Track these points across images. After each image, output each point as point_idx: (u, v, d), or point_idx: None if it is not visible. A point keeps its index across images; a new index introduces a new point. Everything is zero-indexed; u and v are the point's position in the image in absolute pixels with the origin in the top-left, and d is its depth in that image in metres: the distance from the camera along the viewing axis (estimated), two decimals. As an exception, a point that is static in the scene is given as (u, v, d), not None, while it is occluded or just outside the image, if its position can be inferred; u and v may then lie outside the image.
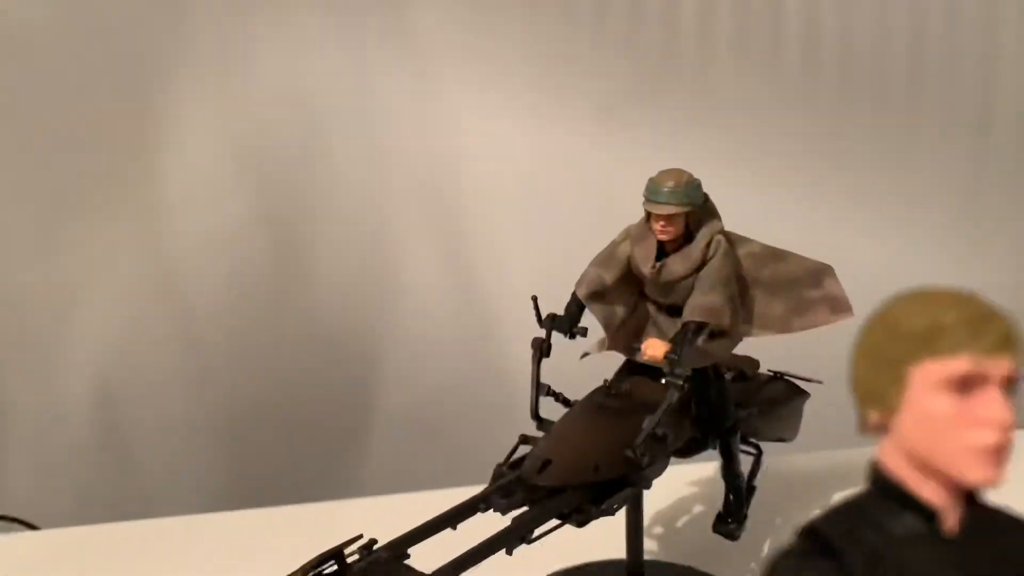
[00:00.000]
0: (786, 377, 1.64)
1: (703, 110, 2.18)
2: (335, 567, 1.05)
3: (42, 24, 2.11)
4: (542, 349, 1.38)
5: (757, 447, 1.59)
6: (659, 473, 1.35)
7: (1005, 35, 2.16)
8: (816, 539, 0.62)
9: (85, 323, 2.27)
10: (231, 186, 2.23)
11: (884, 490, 0.63)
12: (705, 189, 1.38)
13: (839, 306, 1.42)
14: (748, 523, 1.52)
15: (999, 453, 0.59)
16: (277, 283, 2.29)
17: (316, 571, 1.03)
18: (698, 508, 1.69)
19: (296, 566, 1.15)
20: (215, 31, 2.14)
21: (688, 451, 1.47)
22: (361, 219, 2.28)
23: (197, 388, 2.32)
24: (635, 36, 2.17)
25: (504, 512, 1.22)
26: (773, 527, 1.59)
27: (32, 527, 2.00)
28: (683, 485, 1.72)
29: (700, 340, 1.29)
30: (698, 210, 1.34)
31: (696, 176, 1.37)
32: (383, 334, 2.33)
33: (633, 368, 1.43)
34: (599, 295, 1.37)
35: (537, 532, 1.21)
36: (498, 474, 1.28)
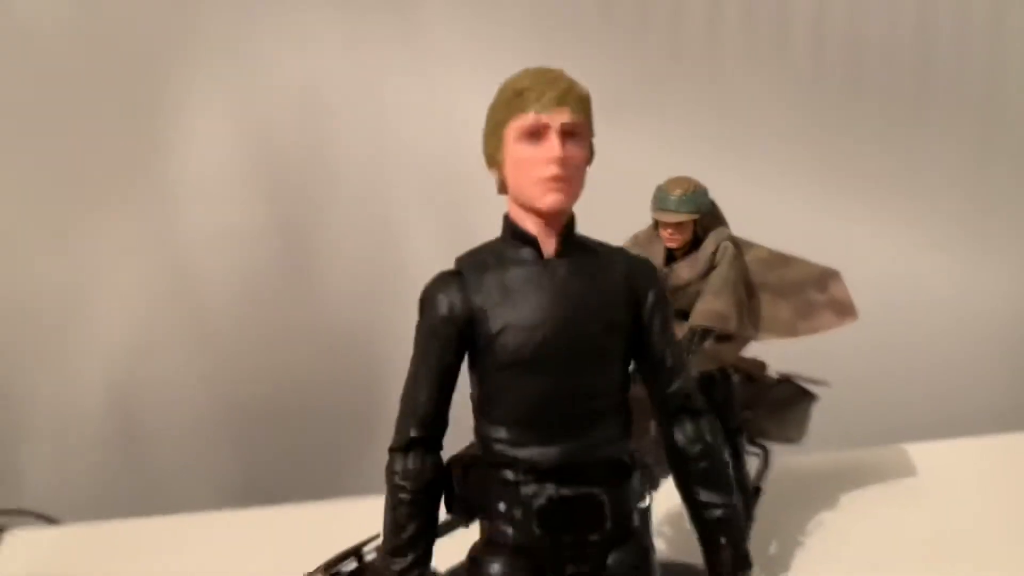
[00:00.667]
0: (793, 379, 1.66)
1: (710, 109, 2.19)
2: (354, 564, 1.08)
3: (53, 24, 2.13)
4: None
5: (764, 448, 1.62)
6: (666, 474, 1.37)
7: (1013, 36, 2.17)
8: (454, 266, 0.83)
9: (100, 320, 2.30)
10: (242, 185, 2.26)
11: (505, 229, 0.82)
12: (712, 188, 1.40)
13: (844, 310, 1.45)
14: (755, 523, 1.54)
15: (558, 181, 0.78)
16: (288, 280, 2.32)
17: (336, 568, 1.06)
18: (705, 508, 1.71)
19: (312, 563, 1.18)
20: (225, 31, 2.17)
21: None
22: (371, 218, 2.30)
23: (210, 385, 2.35)
24: (642, 35, 2.18)
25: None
26: (779, 528, 1.61)
27: (51, 521, 2.03)
28: (690, 485, 1.74)
29: (706, 344, 1.32)
30: (706, 217, 1.37)
31: (703, 175, 1.39)
32: (393, 331, 2.35)
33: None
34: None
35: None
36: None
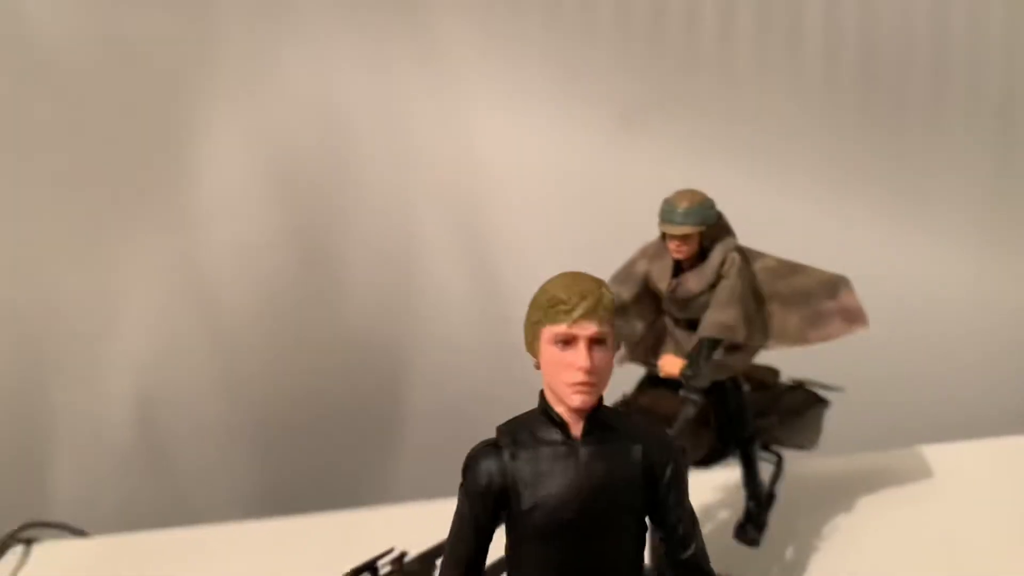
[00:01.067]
0: (806, 386, 1.66)
1: (724, 118, 2.20)
2: (368, 579, 1.10)
3: (78, 49, 2.17)
4: (564, 364, 1.42)
5: (778, 455, 1.62)
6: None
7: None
8: (495, 438, 0.91)
9: (127, 335, 2.34)
10: (264, 202, 2.29)
11: (540, 410, 0.92)
12: (726, 196, 1.41)
13: (855, 317, 1.45)
14: (769, 530, 1.55)
15: (585, 386, 0.88)
16: (308, 291, 2.35)
17: (350, 584, 1.08)
18: (720, 515, 1.72)
19: (329, 573, 1.21)
20: (243, 46, 2.20)
21: (709, 461, 1.50)
22: (388, 228, 2.33)
23: (233, 397, 2.39)
24: (656, 45, 2.19)
25: (528, 524, 1.26)
26: (794, 534, 1.62)
27: (80, 533, 2.07)
28: (704, 493, 1.75)
29: (716, 355, 1.33)
30: (712, 228, 1.38)
31: (717, 184, 1.40)
32: (411, 341, 2.38)
33: (653, 381, 1.47)
34: (618, 311, 1.41)
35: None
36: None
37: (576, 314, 0.88)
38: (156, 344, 2.36)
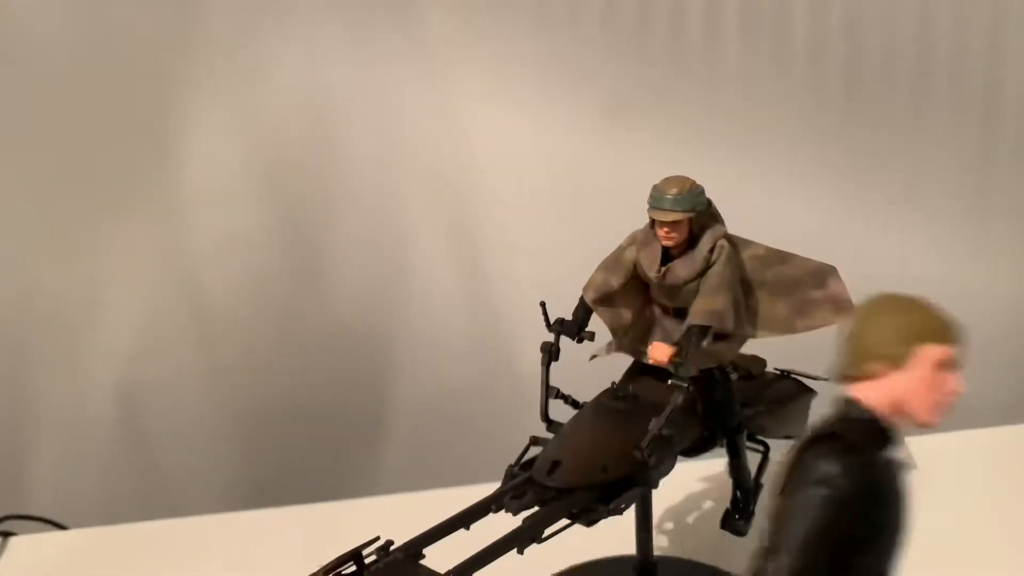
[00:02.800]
0: (793, 375, 1.66)
1: (710, 112, 2.20)
2: (353, 568, 1.09)
3: (59, 34, 2.15)
4: (551, 353, 1.42)
5: (764, 445, 1.62)
6: (666, 473, 1.38)
7: (1012, 31, 2.17)
8: (839, 441, 0.89)
9: (107, 325, 2.32)
10: (248, 189, 2.27)
11: (871, 421, 0.92)
12: (713, 189, 1.40)
13: (842, 306, 1.44)
14: (755, 519, 1.55)
15: (947, 409, 0.92)
16: (294, 285, 2.33)
17: (335, 572, 1.07)
18: (706, 505, 1.72)
19: (314, 565, 1.19)
20: (231, 37, 2.18)
21: (696, 450, 1.50)
22: (375, 222, 2.32)
23: (216, 390, 2.37)
24: (643, 40, 2.19)
25: (516, 512, 1.26)
26: (780, 523, 1.62)
27: (60, 527, 2.05)
28: (692, 482, 1.75)
29: (704, 343, 1.32)
30: (701, 215, 1.37)
31: (703, 176, 1.39)
32: (397, 336, 2.37)
33: (641, 370, 1.46)
34: (606, 299, 1.40)
35: (548, 531, 1.25)
36: (510, 475, 1.32)
37: (958, 339, 0.92)
38: (139, 335, 2.33)
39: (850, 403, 0.94)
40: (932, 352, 0.91)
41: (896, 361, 0.91)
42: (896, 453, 0.92)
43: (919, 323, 0.92)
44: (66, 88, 2.17)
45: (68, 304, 2.31)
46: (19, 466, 2.36)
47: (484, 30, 2.20)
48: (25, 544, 1.94)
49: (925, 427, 0.93)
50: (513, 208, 2.27)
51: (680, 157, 2.14)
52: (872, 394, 0.92)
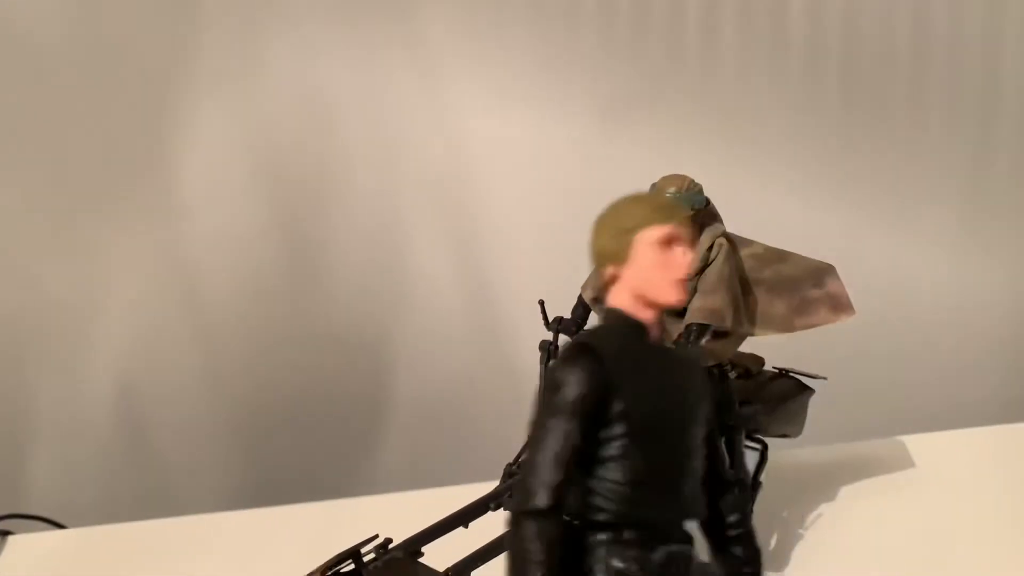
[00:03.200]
0: (791, 374, 1.66)
1: (707, 110, 2.20)
2: (352, 566, 1.09)
3: (58, 35, 2.15)
4: (550, 351, 1.42)
5: (762, 443, 1.62)
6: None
7: (1010, 29, 2.17)
8: (581, 347, 0.92)
9: (107, 325, 2.32)
10: (247, 189, 2.27)
11: (617, 318, 0.95)
12: (709, 188, 1.41)
13: (840, 305, 1.45)
14: (754, 518, 1.55)
15: (683, 283, 0.93)
16: (292, 283, 2.33)
17: (334, 570, 1.07)
18: (705, 503, 1.71)
19: (314, 563, 1.19)
20: (229, 38, 2.18)
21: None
22: (374, 220, 2.32)
23: (214, 389, 2.37)
24: (640, 38, 2.19)
25: (514, 510, 1.26)
26: (779, 521, 1.62)
27: (59, 526, 2.05)
28: (690, 480, 1.75)
29: (703, 341, 1.33)
30: (700, 214, 1.37)
31: (702, 174, 1.40)
32: (396, 334, 2.37)
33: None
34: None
35: (546, 529, 1.25)
36: (508, 473, 1.32)
37: (677, 217, 0.94)
38: (137, 335, 2.33)
39: (605, 313, 0.97)
40: (648, 235, 0.92)
41: (620, 256, 0.93)
42: (646, 341, 0.93)
43: (628, 214, 0.94)
44: (64, 89, 2.17)
45: (67, 304, 2.30)
46: (18, 465, 2.36)
47: (481, 31, 2.20)
48: (24, 543, 1.93)
49: (675, 307, 0.97)
50: (510, 206, 2.27)
51: (677, 156, 2.15)
52: (618, 297, 0.94)
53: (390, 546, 1.13)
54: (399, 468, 2.35)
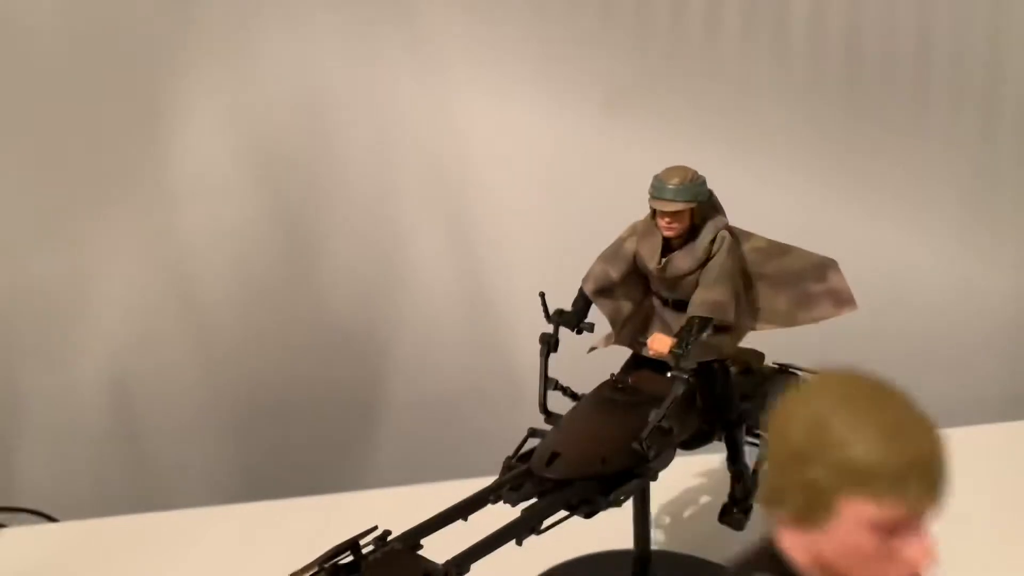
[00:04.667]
0: (792, 370, 1.66)
1: (710, 101, 2.19)
2: (350, 558, 1.07)
3: (50, 23, 2.13)
4: (550, 344, 1.41)
5: (763, 438, 1.61)
6: (665, 465, 1.37)
7: (1013, 26, 2.17)
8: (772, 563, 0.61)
9: (98, 316, 2.30)
10: (241, 180, 2.26)
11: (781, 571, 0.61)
12: (712, 180, 1.40)
13: (843, 299, 1.44)
14: (753, 513, 1.54)
15: None
16: (287, 276, 2.32)
17: (332, 562, 1.05)
18: (704, 499, 1.71)
19: (309, 558, 1.18)
20: (224, 26, 2.16)
21: (694, 443, 1.49)
22: (370, 213, 2.30)
23: (208, 381, 2.35)
24: (642, 28, 2.18)
25: (514, 504, 1.25)
26: (778, 517, 1.61)
27: (51, 519, 2.03)
28: (690, 476, 1.74)
29: (705, 335, 1.31)
30: (703, 206, 1.36)
31: (703, 167, 1.38)
32: (393, 327, 2.36)
33: (639, 362, 1.45)
34: (606, 291, 1.40)
35: (546, 523, 1.24)
36: (508, 467, 1.31)
37: (919, 488, 0.58)
38: (130, 327, 2.32)
39: (777, 551, 0.63)
40: (861, 511, 0.57)
41: (810, 518, 0.59)
42: None
43: (832, 462, 0.56)
44: (56, 79, 2.15)
45: (58, 295, 2.29)
46: (9, 458, 2.34)
47: (481, 21, 2.18)
48: (15, 536, 1.92)
49: None
50: (511, 199, 2.26)
51: (678, 148, 2.13)
52: (795, 545, 0.62)
53: (389, 538, 1.12)
54: (396, 462, 2.34)
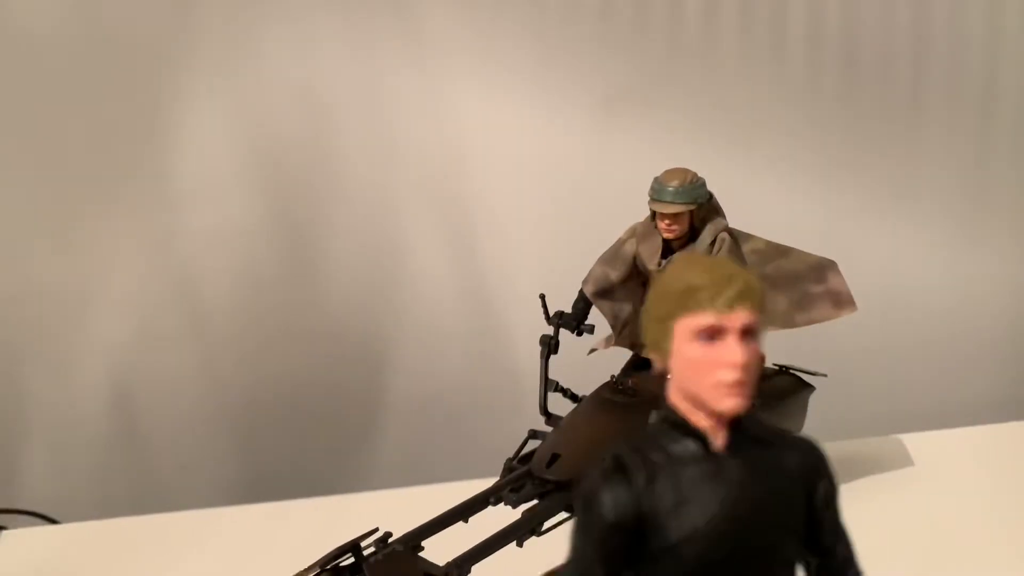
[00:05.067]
0: (791, 370, 1.66)
1: (708, 103, 2.20)
2: (352, 560, 1.08)
3: (52, 24, 2.13)
4: (550, 346, 1.41)
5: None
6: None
7: (1011, 25, 2.17)
8: (615, 461, 0.76)
9: (100, 319, 2.30)
10: (242, 183, 2.26)
11: (668, 420, 0.76)
12: (710, 183, 1.40)
13: (842, 301, 1.44)
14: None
15: (739, 386, 0.72)
16: (288, 278, 2.32)
17: (334, 563, 1.06)
18: (704, 500, 1.70)
19: (312, 558, 1.18)
20: (224, 28, 2.16)
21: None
22: (370, 215, 2.30)
23: (209, 384, 2.35)
24: (640, 31, 2.18)
25: (514, 505, 1.25)
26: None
27: (52, 521, 2.03)
28: (689, 477, 1.74)
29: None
30: (703, 208, 1.37)
31: (701, 170, 1.39)
32: (393, 329, 2.36)
33: (640, 364, 1.45)
34: (606, 292, 1.40)
35: (547, 525, 1.24)
36: (508, 468, 1.31)
37: (724, 299, 0.71)
38: (131, 329, 2.32)
39: (663, 403, 0.77)
40: (683, 327, 0.72)
41: (662, 348, 0.74)
42: (689, 450, 0.74)
43: (665, 294, 0.74)
44: (58, 80, 2.15)
45: (60, 298, 2.29)
46: (10, 460, 2.34)
47: (480, 22, 2.19)
48: (16, 538, 1.92)
49: (719, 420, 0.74)
50: (511, 201, 2.26)
51: (679, 149, 2.14)
52: (673, 394, 0.76)
53: (390, 540, 1.12)
54: (397, 464, 2.34)
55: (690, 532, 0.73)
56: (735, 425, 0.75)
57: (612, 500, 0.74)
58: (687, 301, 0.72)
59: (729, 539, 0.74)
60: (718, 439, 0.75)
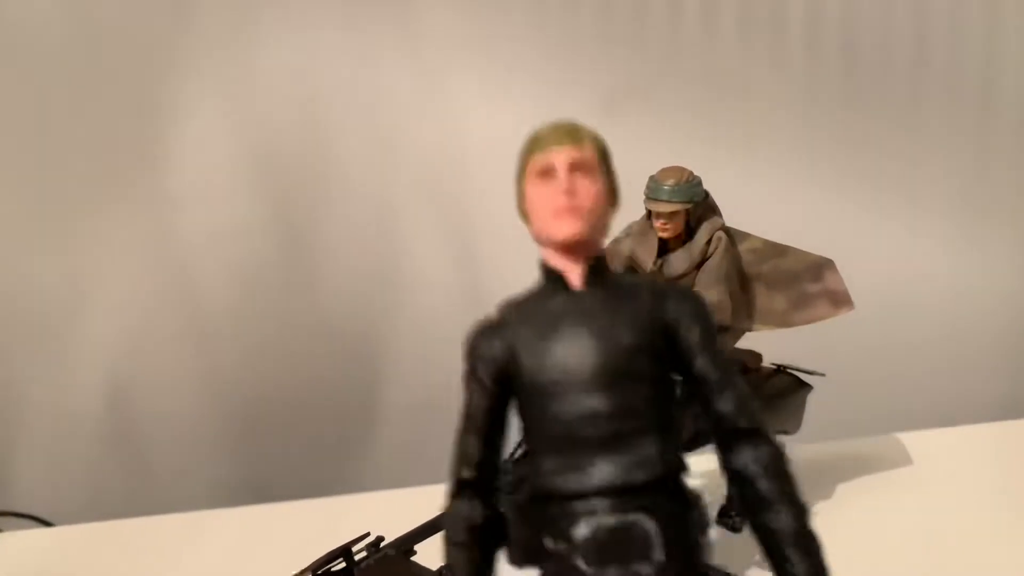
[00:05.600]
0: (789, 370, 1.65)
1: (708, 101, 2.19)
2: (343, 564, 1.07)
3: (49, 22, 2.12)
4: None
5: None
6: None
7: (1010, 25, 2.16)
8: (488, 316, 0.85)
9: (96, 320, 2.30)
10: (240, 182, 2.25)
11: (541, 271, 0.85)
12: (710, 181, 1.39)
13: (840, 299, 1.44)
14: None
15: (568, 211, 0.81)
16: (286, 279, 2.31)
17: (325, 568, 1.05)
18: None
19: (305, 561, 1.17)
20: (222, 27, 2.16)
21: (691, 444, 1.48)
22: (369, 216, 2.29)
23: (204, 385, 2.35)
24: (639, 28, 2.17)
25: (509, 508, 1.24)
26: (776, 519, 1.60)
27: (47, 524, 2.02)
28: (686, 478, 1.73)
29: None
30: (699, 207, 1.36)
31: (700, 167, 1.38)
32: (390, 330, 2.35)
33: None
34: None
35: (542, 527, 1.23)
36: (503, 471, 1.30)
37: (552, 139, 0.83)
38: (127, 330, 2.31)
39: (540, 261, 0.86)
40: (528, 176, 0.84)
41: (521, 208, 0.85)
42: (568, 291, 0.82)
43: (521, 152, 0.85)
44: (57, 81, 2.14)
45: (55, 298, 2.28)
46: (5, 463, 2.33)
47: (479, 21, 2.18)
48: (11, 541, 1.91)
49: (566, 241, 0.82)
50: (510, 201, 2.24)
51: (677, 148, 2.13)
52: (542, 250, 0.85)
53: (382, 544, 1.11)
54: (391, 466, 2.33)
55: (544, 353, 0.81)
56: (594, 267, 0.83)
57: (487, 342, 0.84)
58: (530, 149, 0.84)
59: (576, 357, 0.81)
60: (575, 278, 0.83)
